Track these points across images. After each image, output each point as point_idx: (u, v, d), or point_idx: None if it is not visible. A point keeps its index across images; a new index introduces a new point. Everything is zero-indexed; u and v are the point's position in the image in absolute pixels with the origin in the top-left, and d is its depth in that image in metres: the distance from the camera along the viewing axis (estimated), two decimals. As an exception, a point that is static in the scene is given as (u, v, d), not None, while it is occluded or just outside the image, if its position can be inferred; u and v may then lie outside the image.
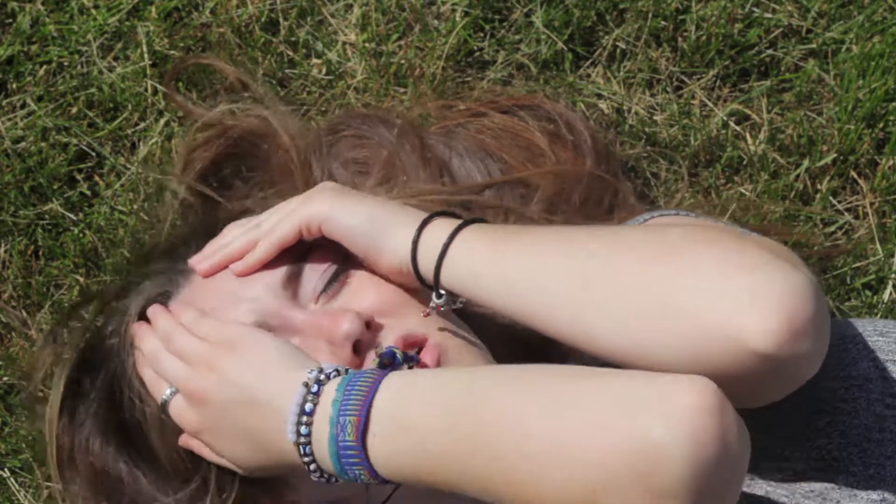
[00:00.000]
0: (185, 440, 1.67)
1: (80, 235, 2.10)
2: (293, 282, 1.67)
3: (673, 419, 1.37)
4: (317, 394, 1.51)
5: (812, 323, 1.44)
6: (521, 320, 1.56)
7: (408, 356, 1.59)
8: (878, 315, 2.11)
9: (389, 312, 1.65)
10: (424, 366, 1.61)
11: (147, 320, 1.71)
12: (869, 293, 2.13)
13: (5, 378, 2.05)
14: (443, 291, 1.61)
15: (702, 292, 1.46)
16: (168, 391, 1.64)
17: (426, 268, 1.61)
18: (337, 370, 1.53)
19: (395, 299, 1.66)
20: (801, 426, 1.68)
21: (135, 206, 2.09)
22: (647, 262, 1.49)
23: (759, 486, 1.67)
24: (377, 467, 1.49)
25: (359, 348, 1.61)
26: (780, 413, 1.61)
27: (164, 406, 1.65)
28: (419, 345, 1.64)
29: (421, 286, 1.64)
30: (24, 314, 2.08)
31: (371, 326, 1.63)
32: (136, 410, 1.70)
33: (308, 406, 1.51)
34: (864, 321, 1.75)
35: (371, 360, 1.61)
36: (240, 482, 1.65)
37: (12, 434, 2.03)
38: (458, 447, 1.45)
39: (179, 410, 1.63)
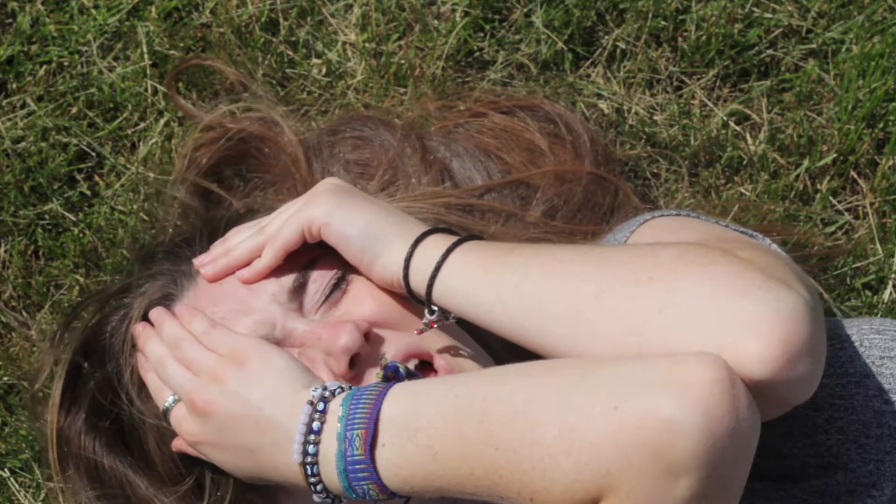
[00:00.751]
0: (178, 444, 1.66)
1: (80, 235, 2.09)
2: (299, 292, 1.66)
3: (685, 394, 1.36)
4: (323, 412, 1.50)
5: (806, 347, 1.43)
6: (514, 339, 1.55)
7: (410, 371, 1.58)
8: (878, 315, 2.11)
9: (388, 324, 1.65)
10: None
11: (149, 321, 1.70)
12: (869, 293, 2.12)
13: (5, 378, 2.05)
14: (435, 308, 1.60)
15: (692, 321, 1.44)
16: (170, 399, 1.64)
17: (418, 285, 1.60)
18: (340, 387, 1.52)
19: (394, 310, 1.65)
20: (798, 423, 1.67)
21: (135, 206, 2.09)
22: (639, 287, 1.48)
23: (759, 484, 1.67)
24: (386, 479, 1.48)
25: (356, 361, 1.61)
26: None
27: (165, 413, 1.65)
28: (419, 357, 1.63)
29: (414, 302, 1.63)
30: (25, 314, 2.08)
31: (370, 338, 1.63)
32: (134, 414, 1.70)
33: (315, 425, 1.50)
34: (860, 319, 1.74)
35: (374, 375, 1.60)
36: (234, 483, 1.65)
37: (12, 434, 2.03)
38: (468, 443, 1.44)
39: (180, 419, 1.62)
